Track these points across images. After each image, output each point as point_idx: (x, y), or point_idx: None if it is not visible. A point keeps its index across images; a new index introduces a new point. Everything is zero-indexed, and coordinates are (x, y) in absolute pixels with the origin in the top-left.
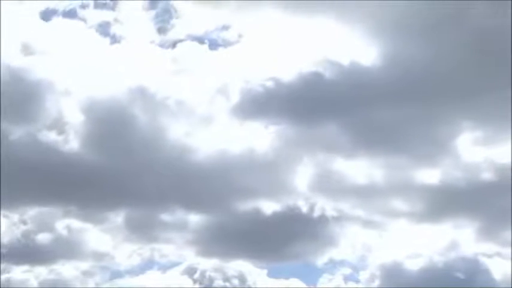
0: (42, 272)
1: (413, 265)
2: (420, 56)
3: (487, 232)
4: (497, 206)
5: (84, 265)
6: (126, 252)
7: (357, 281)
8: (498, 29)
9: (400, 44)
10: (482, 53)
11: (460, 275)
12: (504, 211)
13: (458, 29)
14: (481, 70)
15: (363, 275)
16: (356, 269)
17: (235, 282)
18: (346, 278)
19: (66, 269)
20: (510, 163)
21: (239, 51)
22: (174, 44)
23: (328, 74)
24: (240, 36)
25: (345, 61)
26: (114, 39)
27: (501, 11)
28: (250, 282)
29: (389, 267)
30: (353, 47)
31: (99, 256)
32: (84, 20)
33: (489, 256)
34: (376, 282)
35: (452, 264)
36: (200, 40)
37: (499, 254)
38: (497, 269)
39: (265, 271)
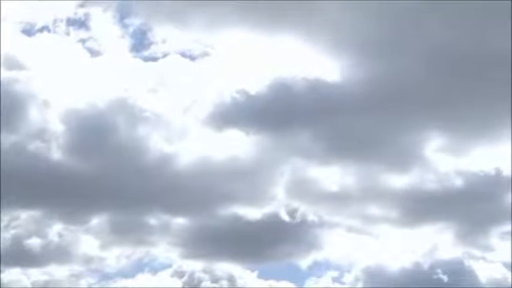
0: (33, 274)
1: (396, 268)
2: (381, 70)
3: (466, 237)
4: (472, 212)
5: (74, 268)
6: (115, 255)
7: (342, 283)
8: (458, 41)
9: (361, 58)
10: (443, 66)
11: (443, 278)
12: (479, 216)
13: (416, 44)
14: (442, 82)
15: (348, 278)
16: (341, 271)
17: (224, 283)
18: (333, 280)
19: (57, 272)
20: (478, 171)
21: (211, 66)
22: (148, 59)
23: (295, 87)
24: (210, 53)
25: (310, 75)
26: (91, 55)
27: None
28: (239, 284)
29: (373, 270)
30: (315, 62)
31: (88, 259)
32: (62, 35)
33: (471, 259)
34: (360, 285)
35: (435, 267)
36: (173, 56)
37: (481, 258)
38: (480, 272)
39: (255, 273)
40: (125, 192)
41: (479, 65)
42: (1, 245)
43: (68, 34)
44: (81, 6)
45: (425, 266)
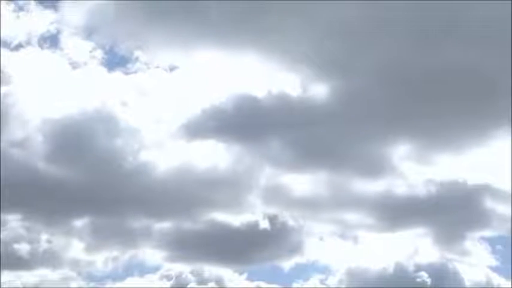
0: (23, 277)
1: (378, 271)
2: (340, 83)
3: (443, 242)
4: (445, 218)
5: (63, 272)
6: (101, 259)
7: (326, 285)
8: (421, 53)
9: (321, 72)
10: (405, 78)
11: (427, 281)
12: (453, 223)
13: (378, 57)
14: (405, 94)
15: (332, 280)
16: (325, 274)
17: (212, 285)
18: (319, 281)
19: (47, 276)
20: (445, 180)
21: (177, 83)
22: (120, 74)
23: (261, 100)
24: (176, 68)
25: (274, 89)
26: (66, 69)
27: None
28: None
29: (356, 273)
30: (277, 77)
31: (75, 263)
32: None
33: (454, 262)
34: (343, 286)
35: (417, 270)
36: (144, 71)
37: (459, 262)
38: (464, 275)
39: (244, 275)
40: (105, 198)
41: (444, 77)
42: None
43: (42, 49)
44: (53, 22)
45: (409, 269)
